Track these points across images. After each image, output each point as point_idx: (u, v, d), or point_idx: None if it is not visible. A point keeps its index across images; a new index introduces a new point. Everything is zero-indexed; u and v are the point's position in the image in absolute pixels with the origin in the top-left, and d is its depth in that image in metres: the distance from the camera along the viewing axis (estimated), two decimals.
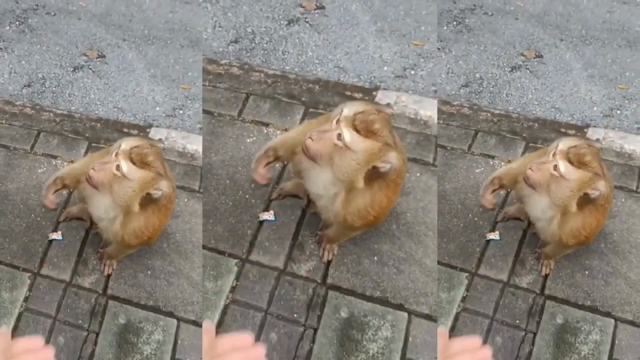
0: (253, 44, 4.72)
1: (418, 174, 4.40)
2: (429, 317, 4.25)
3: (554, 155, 3.44)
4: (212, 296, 4.30)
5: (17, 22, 5.09)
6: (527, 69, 4.84)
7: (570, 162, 3.44)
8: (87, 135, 4.64)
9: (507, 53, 4.85)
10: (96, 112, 4.69)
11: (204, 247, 4.32)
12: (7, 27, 5.07)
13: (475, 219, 4.42)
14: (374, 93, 4.59)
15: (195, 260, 4.39)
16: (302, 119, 4.58)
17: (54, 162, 4.59)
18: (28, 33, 5.05)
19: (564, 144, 3.50)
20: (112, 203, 3.88)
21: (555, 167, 3.45)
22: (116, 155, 3.77)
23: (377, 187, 3.38)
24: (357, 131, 3.14)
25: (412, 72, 4.68)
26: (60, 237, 4.47)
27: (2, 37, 5.02)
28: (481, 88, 4.73)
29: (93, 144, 4.63)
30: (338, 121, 3.16)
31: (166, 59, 4.92)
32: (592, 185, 3.43)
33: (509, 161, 4.45)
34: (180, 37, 5.01)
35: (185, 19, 5.10)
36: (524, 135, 4.60)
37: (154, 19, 5.11)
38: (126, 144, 3.80)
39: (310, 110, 4.59)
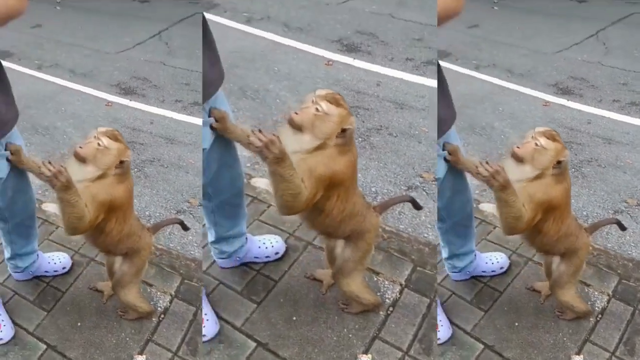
0: (374, 202, 4.73)
1: None
2: None
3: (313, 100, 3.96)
4: None
5: None
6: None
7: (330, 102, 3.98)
8: (181, 271, 4.63)
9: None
10: (190, 252, 4.73)
11: None
12: None
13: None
14: None
15: None
16: (409, 277, 4.52)
17: (149, 290, 4.54)
18: None
19: (320, 91, 4.02)
20: None
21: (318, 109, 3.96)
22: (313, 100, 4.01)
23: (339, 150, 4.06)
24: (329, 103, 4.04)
25: None
26: None
27: None
28: None
29: (185, 281, 4.59)
30: (314, 99, 3.99)
31: None
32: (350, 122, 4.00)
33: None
34: None
35: None
36: (619, 271, 4.65)
37: None
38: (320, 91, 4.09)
39: (418, 268, 4.54)
